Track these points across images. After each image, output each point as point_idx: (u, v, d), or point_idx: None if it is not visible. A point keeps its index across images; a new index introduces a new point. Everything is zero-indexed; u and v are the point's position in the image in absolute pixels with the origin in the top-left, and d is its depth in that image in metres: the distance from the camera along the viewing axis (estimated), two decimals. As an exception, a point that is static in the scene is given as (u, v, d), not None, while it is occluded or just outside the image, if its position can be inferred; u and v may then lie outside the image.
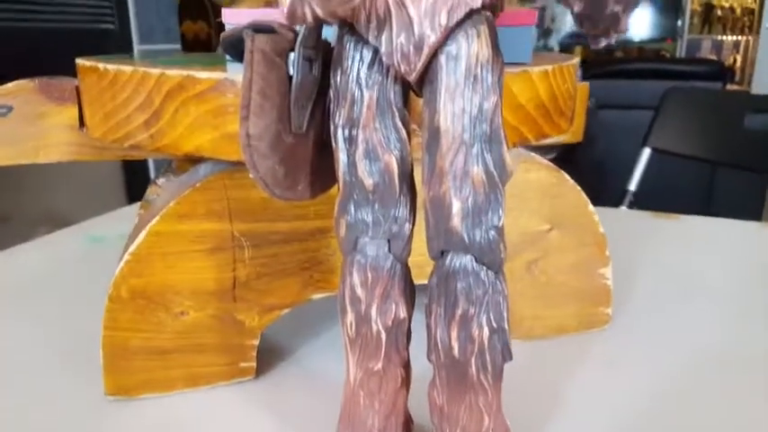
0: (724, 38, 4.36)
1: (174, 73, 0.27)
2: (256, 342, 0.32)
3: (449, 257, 0.22)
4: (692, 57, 4.07)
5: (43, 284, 0.46)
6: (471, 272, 0.22)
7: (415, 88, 0.22)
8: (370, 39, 0.21)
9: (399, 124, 0.22)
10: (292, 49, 0.22)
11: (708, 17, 4.41)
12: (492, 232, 0.22)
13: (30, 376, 0.34)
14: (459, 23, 0.20)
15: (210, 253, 0.30)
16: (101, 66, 0.29)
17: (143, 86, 0.28)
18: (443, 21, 0.20)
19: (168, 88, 0.27)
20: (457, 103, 0.21)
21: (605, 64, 2.33)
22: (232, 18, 0.31)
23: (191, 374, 0.32)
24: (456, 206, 0.21)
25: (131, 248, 0.29)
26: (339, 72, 0.22)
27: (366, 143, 0.22)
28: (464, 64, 0.20)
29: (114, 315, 0.30)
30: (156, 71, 0.27)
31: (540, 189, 0.34)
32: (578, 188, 0.35)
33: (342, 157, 0.22)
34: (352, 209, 0.23)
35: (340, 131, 0.22)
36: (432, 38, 0.20)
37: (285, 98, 0.22)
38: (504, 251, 0.22)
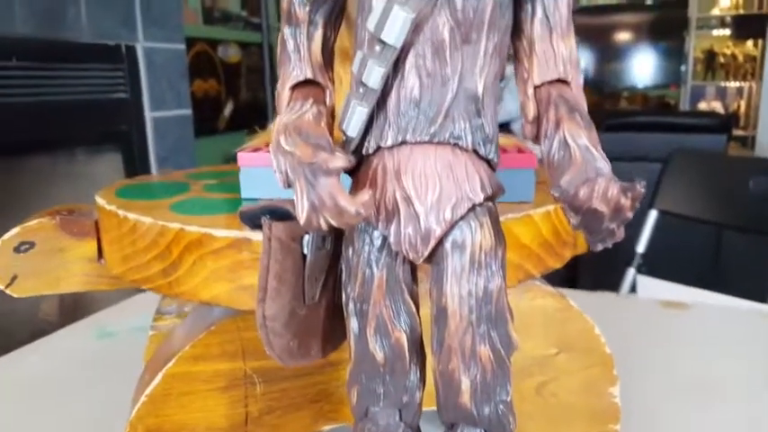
0: (727, 84, 4.40)
1: (193, 229, 0.28)
2: (268, 474, 0.33)
3: (459, 430, 0.23)
4: (696, 110, 4.10)
5: (52, 390, 0.47)
6: (481, 445, 0.22)
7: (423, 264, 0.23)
8: (380, 228, 0.22)
9: (408, 299, 0.23)
10: (307, 232, 0.23)
11: (711, 64, 4.47)
12: (501, 406, 0.22)
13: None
14: (463, 216, 0.21)
15: (224, 391, 0.31)
16: (121, 213, 0.31)
17: (162, 238, 0.29)
18: (448, 216, 0.21)
19: (186, 243, 0.28)
20: (463, 286, 0.22)
21: (610, 117, 2.36)
22: (247, 162, 0.33)
23: (203, 508, 0.32)
24: (465, 383, 0.22)
25: (148, 390, 0.30)
26: (351, 250, 0.23)
27: (377, 319, 0.23)
28: (468, 252, 0.21)
29: (129, 453, 0.30)
30: (174, 226, 0.28)
31: (545, 315, 0.35)
32: (583, 313, 0.36)
33: (353, 328, 0.23)
34: (363, 379, 0.23)
35: (352, 304, 0.23)
36: (437, 231, 0.21)
37: (300, 278, 0.23)
38: (513, 422, 0.22)
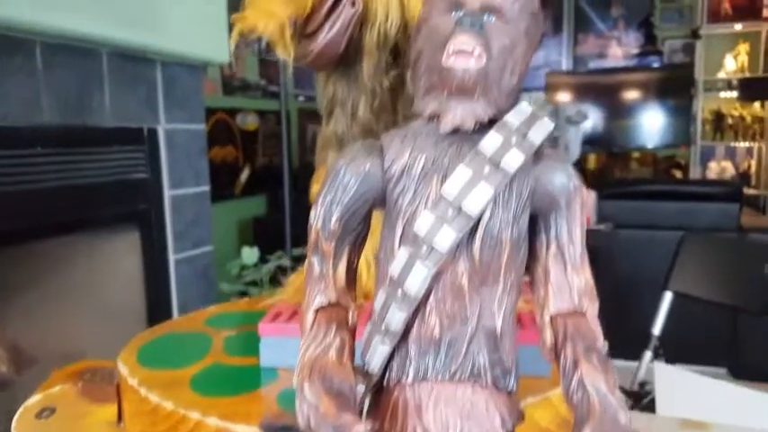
0: (737, 144, 4.43)
1: (212, 422, 0.28)
2: None
3: None
4: (708, 178, 4.13)
5: None
6: None
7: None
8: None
9: None
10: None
11: (719, 125, 4.51)
12: None
13: None
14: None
15: None
16: (142, 392, 0.31)
17: (183, 425, 0.29)
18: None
19: (205, 434, 0.28)
20: None
21: (622, 184, 2.38)
22: (267, 332, 0.33)
23: None
24: None
25: None
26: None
27: None
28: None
29: None
30: (195, 416, 0.29)
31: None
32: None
33: None
34: None
35: None
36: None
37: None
38: None
